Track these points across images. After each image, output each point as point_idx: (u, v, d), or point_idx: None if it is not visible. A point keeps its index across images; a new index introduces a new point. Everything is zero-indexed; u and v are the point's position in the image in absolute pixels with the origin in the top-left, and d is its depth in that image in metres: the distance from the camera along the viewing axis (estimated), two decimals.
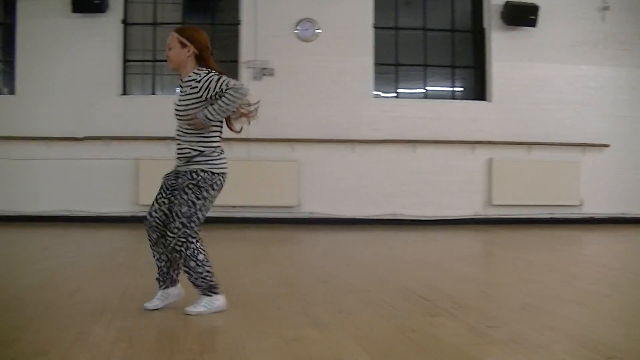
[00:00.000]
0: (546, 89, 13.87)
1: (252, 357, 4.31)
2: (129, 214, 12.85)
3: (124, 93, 13.36)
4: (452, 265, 8.60)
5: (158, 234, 5.63)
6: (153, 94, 13.50)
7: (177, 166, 5.60)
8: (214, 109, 5.32)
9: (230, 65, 13.44)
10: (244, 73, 13.26)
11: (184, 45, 5.48)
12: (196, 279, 5.48)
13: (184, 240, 5.41)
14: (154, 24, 13.50)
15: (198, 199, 5.42)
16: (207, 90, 5.34)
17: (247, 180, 12.79)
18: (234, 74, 13.39)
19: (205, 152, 5.45)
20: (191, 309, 5.44)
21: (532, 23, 13.59)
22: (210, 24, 13.65)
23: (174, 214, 5.46)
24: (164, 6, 13.72)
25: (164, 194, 5.63)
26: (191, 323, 5.17)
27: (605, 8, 14.00)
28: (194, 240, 5.46)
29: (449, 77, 14.22)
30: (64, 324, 5.03)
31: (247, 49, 13.32)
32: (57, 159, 12.90)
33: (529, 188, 13.62)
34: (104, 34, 13.12)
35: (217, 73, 5.44)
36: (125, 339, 4.70)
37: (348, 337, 4.83)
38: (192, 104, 5.39)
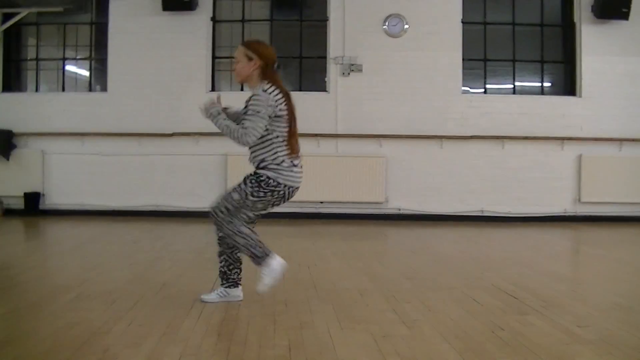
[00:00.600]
0: (638, 84, 13.56)
1: (340, 353, 4.34)
2: None
3: (213, 89, 13.48)
4: (541, 263, 8.49)
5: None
6: (241, 90, 13.59)
7: None
8: (225, 122, 5.72)
9: (318, 61, 13.51)
10: (332, 69, 13.29)
11: (250, 59, 5.64)
12: (251, 252, 5.57)
13: (222, 223, 5.61)
14: (242, 20, 13.61)
15: (252, 195, 5.57)
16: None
17: (334, 175, 12.87)
18: (322, 70, 13.45)
19: (270, 163, 5.61)
20: (261, 287, 5.55)
21: (625, 16, 13.27)
22: (298, 20, 13.70)
23: (224, 194, 5.69)
24: (251, 3, 13.80)
25: None
26: (280, 318, 5.21)
27: None
28: (231, 221, 5.61)
29: (537, 72, 14.02)
30: (154, 317, 5.13)
31: (335, 45, 13.33)
32: (147, 155, 13.13)
33: (620, 185, 13.36)
34: (194, 31, 13.29)
35: (275, 91, 5.54)
36: (214, 332, 4.77)
37: (436, 334, 4.82)
38: None
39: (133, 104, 13.19)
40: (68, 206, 13.16)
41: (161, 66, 13.23)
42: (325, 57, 13.47)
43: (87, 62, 14.05)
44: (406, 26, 13.32)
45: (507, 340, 4.69)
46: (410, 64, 13.23)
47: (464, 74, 13.47)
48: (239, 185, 5.63)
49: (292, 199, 5.79)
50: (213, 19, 13.51)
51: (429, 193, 13.29)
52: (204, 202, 12.96)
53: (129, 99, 13.19)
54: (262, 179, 5.53)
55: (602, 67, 13.47)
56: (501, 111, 13.38)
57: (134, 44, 13.23)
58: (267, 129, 5.54)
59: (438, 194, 13.29)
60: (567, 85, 13.83)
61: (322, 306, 5.61)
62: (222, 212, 5.59)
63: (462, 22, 13.45)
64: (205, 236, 11.00)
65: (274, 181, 5.52)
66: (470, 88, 13.84)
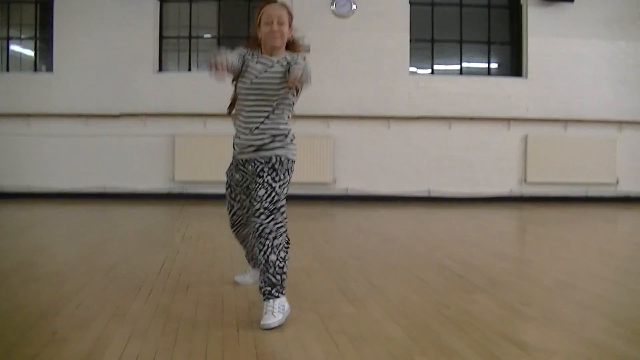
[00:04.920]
0: (583, 65, 13.72)
1: (288, 332, 4.36)
2: (164, 191, 12.94)
3: (160, 70, 13.40)
4: (487, 243, 8.60)
5: (247, 228, 5.20)
6: (189, 70, 13.51)
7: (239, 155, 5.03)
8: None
9: None
10: None
11: (289, 25, 4.99)
12: (274, 274, 4.60)
13: (273, 229, 4.63)
14: (190, 1, 13.50)
15: (275, 180, 4.75)
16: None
17: None
18: None
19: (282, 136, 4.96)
20: (268, 322, 4.46)
21: None
22: (246, 0, 13.61)
23: (253, 200, 4.78)
24: None
25: (237, 190, 5.11)
26: (229, 299, 5.22)
27: None
28: (283, 232, 4.69)
29: (484, 54, 14.11)
30: (103, 299, 5.11)
31: None
32: (93, 136, 12.98)
33: (565, 165, 13.53)
34: (141, 10, 13.12)
35: None
36: (163, 314, 4.76)
37: (383, 312, 4.87)
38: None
39: (79, 84, 13.01)
40: (13, 188, 12.96)
41: (108, 46, 13.06)
42: None
43: (31, 42, 13.86)
44: (354, 7, 13.32)
45: (452, 318, 4.75)
46: (358, 44, 13.25)
47: (411, 55, 13.51)
48: (255, 181, 4.82)
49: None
50: None
51: (376, 173, 13.33)
52: (151, 183, 12.99)
53: (75, 79, 13.02)
54: (273, 162, 4.83)
55: (547, 48, 13.59)
56: (448, 92, 13.46)
57: (80, 23, 13.03)
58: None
59: (385, 174, 13.34)
60: (514, 66, 13.95)
61: None
62: (273, 219, 4.68)
63: (410, 2, 13.46)
64: (152, 217, 10.99)
65: (285, 159, 4.89)
66: (417, 69, 13.90)
